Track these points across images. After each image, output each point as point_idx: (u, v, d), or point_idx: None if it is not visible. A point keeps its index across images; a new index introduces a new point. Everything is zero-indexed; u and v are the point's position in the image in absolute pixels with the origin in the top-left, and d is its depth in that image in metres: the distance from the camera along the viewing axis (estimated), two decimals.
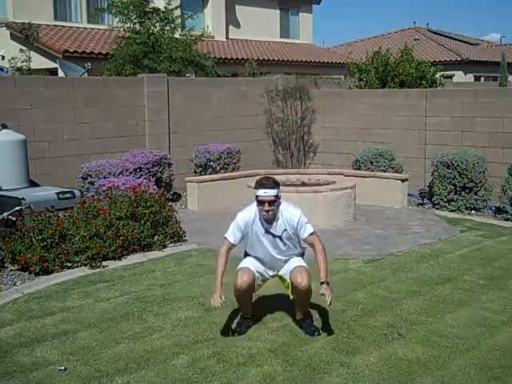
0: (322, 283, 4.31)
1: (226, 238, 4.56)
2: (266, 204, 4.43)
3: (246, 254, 4.75)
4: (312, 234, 4.51)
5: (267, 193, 4.43)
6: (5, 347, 4.41)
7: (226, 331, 4.61)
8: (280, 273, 4.70)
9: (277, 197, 4.46)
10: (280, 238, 4.55)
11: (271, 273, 4.74)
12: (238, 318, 4.76)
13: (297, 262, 4.62)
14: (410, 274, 6.11)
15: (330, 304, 4.32)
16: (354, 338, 4.53)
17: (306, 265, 4.61)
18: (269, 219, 4.49)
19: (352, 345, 4.41)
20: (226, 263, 4.48)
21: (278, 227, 4.53)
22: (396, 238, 7.60)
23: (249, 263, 4.65)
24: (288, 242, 4.58)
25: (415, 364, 4.11)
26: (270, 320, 4.85)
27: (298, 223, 4.49)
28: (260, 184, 4.49)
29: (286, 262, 4.66)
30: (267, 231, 4.55)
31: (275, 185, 4.49)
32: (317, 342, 4.44)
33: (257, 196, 4.48)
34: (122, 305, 5.27)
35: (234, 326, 4.70)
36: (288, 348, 4.36)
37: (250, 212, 4.57)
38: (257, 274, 4.62)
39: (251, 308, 4.76)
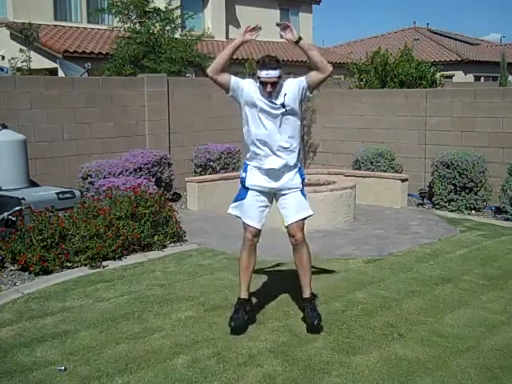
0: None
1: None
2: (269, 85, 4.36)
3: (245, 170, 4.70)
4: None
5: (269, 74, 4.34)
6: (5, 347, 4.40)
7: (228, 334, 4.59)
8: (279, 194, 4.67)
9: (279, 77, 4.39)
10: (283, 113, 4.44)
11: (273, 180, 4.63)
12: (235, 302, 4.73)
13: (295, 193, 4.63)
14: (409, 274, 6.11)
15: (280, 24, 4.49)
16: (354, 338, 4.53)
17: (305, 214, 4.62)
18: (270, 98, 4.43)
19: (352, 345, 4.40)
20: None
21: (279, 96, 4.44)
22: (396, 238, 7.60)
23: (250, 206, 4.65)
24: (288, 119, 4.48)
25: (415, 364, 4.11)
26: (270, 320, 4.85)
27: (298, 79, 4.49)
28: (262, 64, 4.37)
29: (285, 172, 4.60)
30: (268, 101, 4.45)
31: (278, 64, 4.41)
32: (317, 342, 4.44)
33: (259, 77, 4.38)
34: (122, 305, 5.27)
35: (231, 313, 4.68)
36: (288, 348, 4.36)
37: (256, 85, 4.49)
38: (262, 217, 4.65)
39: (249, 286, 4.73)
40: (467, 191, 9.15)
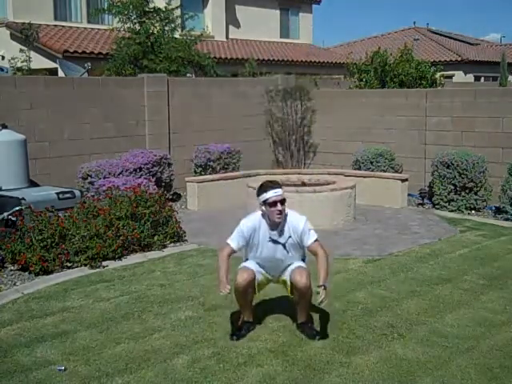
0: (319, 286, 4.27)
1: (228, 243, 4.51)
2: (279, 204, 4.38)
3: (247, 260, 4.72)
4: (315, 241, 4.48)
5: (277, 192, 4.40)
6: (5, 347, 4.41)
7: (227, 335, 4.58)
8: (282, 277, 4.66)
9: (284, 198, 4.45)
10: (284, 245, 4.52)
11: (273, 273, 4.71)
12: (240, 321, 4.71)
13: (297, 263, 4.60)
14: (409, 274, 6.11)
15: (321, 303, 4.26)
16: (354, 338, 4.53)
17: (306, 266, 4.60)
18: (276, 224, 4.44)
19: (352, 345, 4.41)
20: (229, 268, 4.43)
21: (282, 235, 4.50)
22: (396, 238, 7.60)
23: (250, 264, 4.63)
24: (291, 248, 4.55)
25: (415, 364, 4.11)
26: (270, 320, 4.85)
27: (302, 230, 4.46)
28: (267, 186, 4.44)
29: (287, 266, 4.62)
30: (271, 239, 4.51)
31: (280, 185, 4.50)
32: (317, 342, 4.44)
33: (267, 199, 4.39)
34: (122, 305, 5.27)
35: (234, 329, 4.66)
36: (288, 348, 4.36)
37: (255, 220, 4.53)
38: (258, 275, 4.60)
39: (252, 311, 4.72)
40: (467, 191, 9.15)
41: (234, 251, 4.51)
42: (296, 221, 4.50)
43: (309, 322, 4.68)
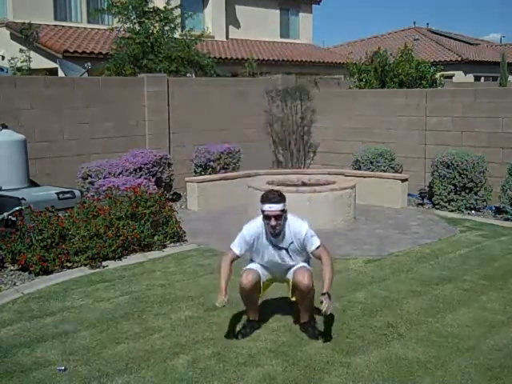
0: (323, 294, 4.25)
1: (231, 248, 4.52)
2: (273, 219, 4.36)
3: (251, 261, 4.72)
4: (319, 247, 4.45)
5: (273, 207, 4.36)
6: (5, 347, 4.41)
7: (230, 333, 4.58)
8: (286, 277, 4.65)
9: (283, 211, 4.40)
10: (287, 250, 4.52)
11: (277, 275, 4.70)
12: (244, 321, 4.70)
13: (301, 264, 4.59)
14: (410, 274, 6.11)
15: (325, 314, 4.25)
16: (354, 337, 4.53)
17: (309, 267, 4.59)
18: (275, 234, 4.44)
19: (352, 345, 4.41)
20: (231, 273, 4.43)
21: (284, 241, 4.49)
22: (396, 238, 7.60)
23: (254, 265, 4.63)
24: (294, 253, 4.54)
25: (415, 364, 4.11)
26: (270, 320, 4.85)
27: (304, 237, 4.44)
28: (266, 198, 4.41)
29: (291, 268, 4.61)
30: (273, 244, 4.51)
31: (281, 198, 4.41)
32: (317, 342, 4.44)
33: (263, 211, 4.41)
34: (122, 305, 5.27)
35: (238, 328, 4.66)
36: (288, 348, 4.36)
37: (257, 225, 4.52)
38: (263, 276, 4.60)
39: (258, 311, 4.72)
40: (467, 191, 9.15)
41: (237, 257, 4.51)
42: (298, 227, 4.47)
43: (311, 322, 4.65)
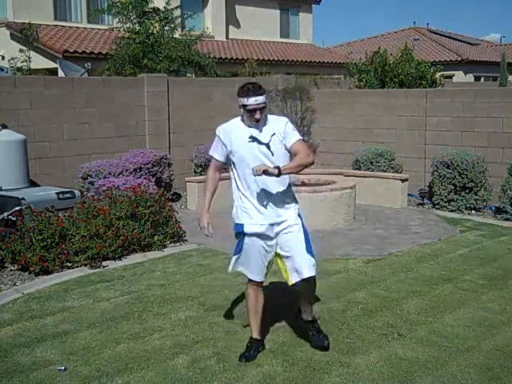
0: (276, 167, 4.00)
1: (211, 155, 4.39)
2: (258, 112, 4.07)
3: (238, 220, 4.50)
4: (299, 140, 4.16)
5: (258, 100, 4.05)
6: (5, 347, 4.41)
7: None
8: (279, 251, 4.31)
9: (265, 102, 4.15)
10: (268, 145, 4.15)
11: (269, 211, 4.31)
12: (247, 341, 4.41)
13: (300, 249, 4.28)
14: (410, 274, 6.11)
15: (252, 171, 4.02)
16: (354, 337, 4.53)
17: (311, 257, 4.33)
18: (255, 122, 4.14)
19: (352, 345, 4.40)
20: (216, 186, 4.47)
21: (264, 133, 4.16)
22: (396, 238, 7.60)
23: (254, 263, 4.29)
24: (275, 150, 4.16)
25: (415, 364, 4.11)
26: (270, 320, 4.84)
27: (285, 127, 4.18)
28: (248, 91, 4.07)
29: (284, 203, 4.28)
30: (252, 137, 4.16)
31: (262, 88, 4.12)
32: None
33: (245, 105, 4.07)
34: (122, 305, 5.27)
35: (242, 350, 4.39)
36: (288, 348, 4.36)
37: (230, 124, 4.27)
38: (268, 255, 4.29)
39: (260, 328, 4.39)
40: (467, 191, 9.15)
41: (220, 162, 4.38)
42: (279, 120, 4.25)
43: (315, 322, 4.43)
